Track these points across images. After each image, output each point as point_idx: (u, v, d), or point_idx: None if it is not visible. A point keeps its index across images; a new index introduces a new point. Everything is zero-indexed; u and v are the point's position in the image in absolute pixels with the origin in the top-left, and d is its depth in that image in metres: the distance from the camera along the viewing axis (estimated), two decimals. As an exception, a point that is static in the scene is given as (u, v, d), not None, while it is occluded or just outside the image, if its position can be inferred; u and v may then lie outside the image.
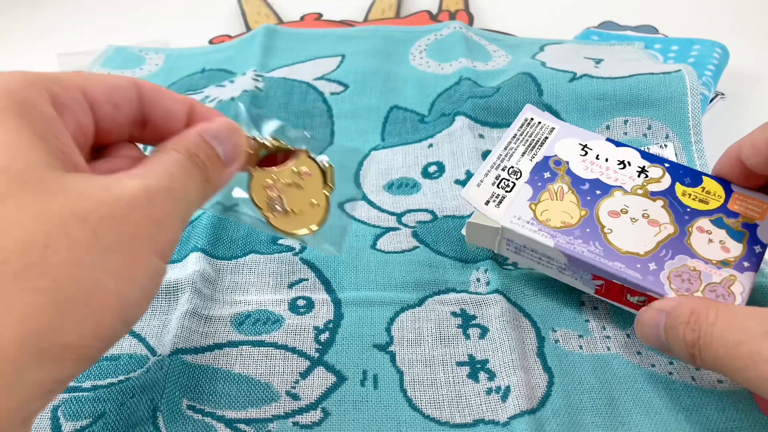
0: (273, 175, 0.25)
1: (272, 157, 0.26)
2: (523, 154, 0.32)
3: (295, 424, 0.27)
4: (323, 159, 0.27)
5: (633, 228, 0.29)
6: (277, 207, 0.25)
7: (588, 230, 0.29)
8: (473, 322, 0.31)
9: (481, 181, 0.31)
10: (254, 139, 0.25)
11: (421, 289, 0.32)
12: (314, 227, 0.26)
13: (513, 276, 0.33)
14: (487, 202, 0.30)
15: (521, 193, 0.31)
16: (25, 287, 0.16)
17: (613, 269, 0.27)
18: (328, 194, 0.26)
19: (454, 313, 0.31)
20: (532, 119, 0.34)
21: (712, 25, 0.57)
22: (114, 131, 0.23)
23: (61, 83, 0.21)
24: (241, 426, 0.27)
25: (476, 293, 0.32)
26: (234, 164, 0.24)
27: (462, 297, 0.32)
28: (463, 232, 0.33)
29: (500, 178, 0.31)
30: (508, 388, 0.28)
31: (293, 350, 0.29)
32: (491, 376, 0.28)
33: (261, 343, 0.30)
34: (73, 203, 0.17)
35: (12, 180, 0.17)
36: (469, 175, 0.39)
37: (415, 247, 0.35)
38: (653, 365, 0.29)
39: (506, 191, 0.31)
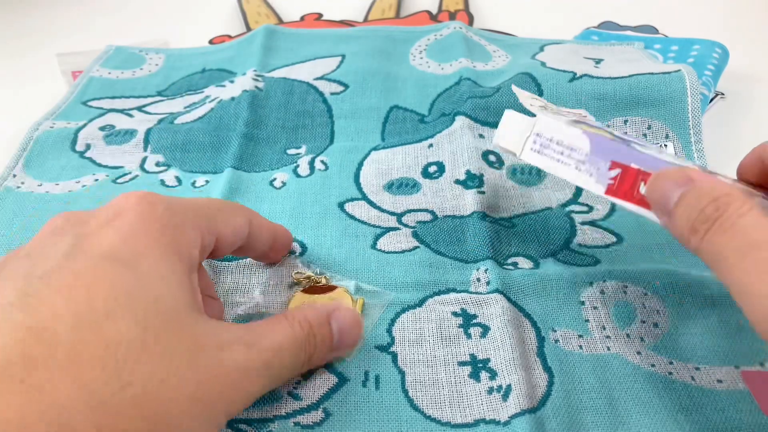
0: (314, 299, 0.31)
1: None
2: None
3: (296, 424, 0.27)
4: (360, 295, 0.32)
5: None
6: None
7: (617, 140, 0.29)
8: (474, 321, 0.31)
9: (535, 98, 0.34)
10: (309, 273, 0.32)
11: (422, 290, 0.32)
12: None
13: (513, 276, 0.33)
14: (531, 105, 0.32)
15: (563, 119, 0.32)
16: (131, 410, 0.18)
17: (637, 153, 0.27)
18: None
19: (454, 313, 0.31)
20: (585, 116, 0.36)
21: (712, 25, 0.58)
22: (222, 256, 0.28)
23: (208, 228, 0.25)
24: (242, 426, 0.27)
25: (476, 293, 0.32)
26: (340, 352, 0.28)
27: (462, 297, 0.32)
28: (496, 141, 0.33)
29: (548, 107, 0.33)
30: (509, 387, 0.28)
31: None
32: (493, 375, 0.29)
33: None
34: (191, 353, 0.20)
35: (159, 312, 0.20)
36: (469, 175, 0.39)
37: (415, 247, 0.35)
38: (653, 365, 0.29)
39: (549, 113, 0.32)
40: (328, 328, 0.26)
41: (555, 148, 0.30)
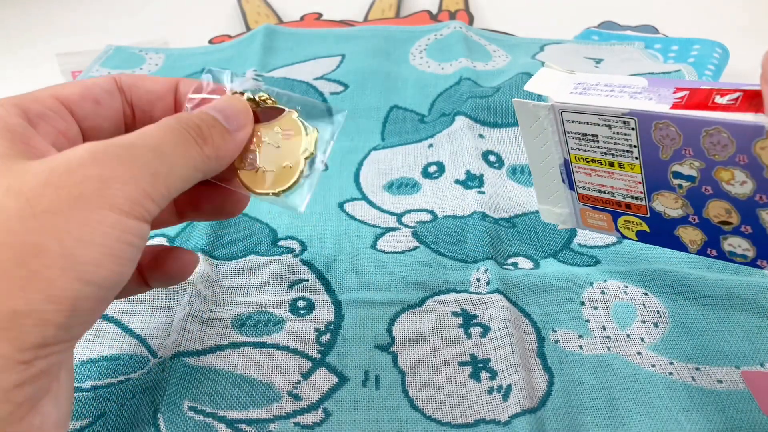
0: (257, 131, 0.24)
1: (262, 114, 0.25)
2: None
3: (296, 424, 0.27)
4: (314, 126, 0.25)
5: None
6: (249, 161, 0.24)
7: None
8: (474, 321, 0.31)
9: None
10: (244, 93, 0.25)
11: (422, 290, 0.32)
12: (278, 190, 0.24)
13: (513, 276, 0.33)
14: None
15: None
16: None
17: (704, 81, 0.24)
18: (305, 158, 0.24)
19: (455, 313, 0.31)
20: None
21: (712, 25, 0.58)
22: (104, 126, 0.24)
23: (32, 97, 0.22)
24: (242, 426, 0.27)
25: (476, 293, 0.32)
26: (242, 131, 0.24)
27: (462, 297, 0.32)
28: (527, 87, 0.28)
29: None
30: (509, 387, 0.28)
31: (295, 351, 0.29)
32: (493, 375, 0.29)
33: (263, 345, 0.30)
34: (8, 181, 0.18)
35: None
36: (469, 175, 0.39)
37: (415, 247, 0.35)
38: (653, 365, 0.29)
39: None
40: (206, 113, 0.23)
41: (602, 88, 0.26)
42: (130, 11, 0.64)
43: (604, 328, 0.31)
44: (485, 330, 0.30)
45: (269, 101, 0.25)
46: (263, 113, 0.25)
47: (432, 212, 0.37)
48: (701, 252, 0.26)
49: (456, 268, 0.34)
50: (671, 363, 0.29)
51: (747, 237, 0.24)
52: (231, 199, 0.26)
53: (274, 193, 0.24)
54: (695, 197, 0.24)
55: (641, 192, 0.26)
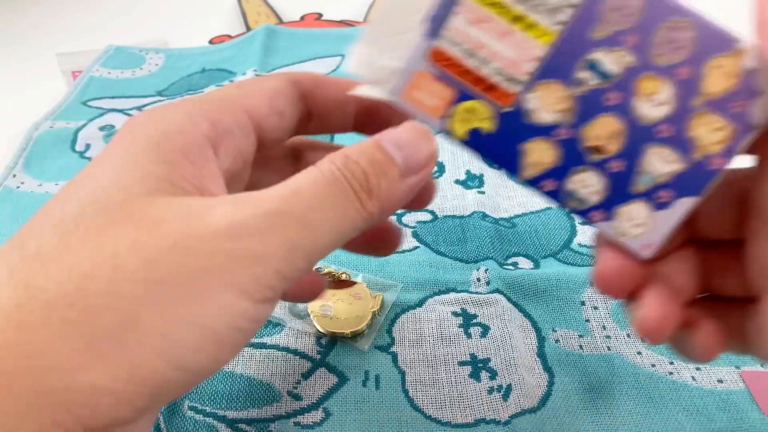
0: (333, 294, 0.32)
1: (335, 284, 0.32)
2: None
3: (296, 424, 0.27)
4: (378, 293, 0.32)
5: None
6: (324, 312, 0.31)
7: None
8: (474, 321, 0.31)
9: None
10: (329, 269, 0.33)
11: (422, 290, 0.32)
12: (351, 331, 0.30)
13: (513, 276, 0.33)
14: None
15: None
16: (52, 317, 0.15)
17: None
18: (373, 314, 0.31)
19: (455, 313, 0.31)
20: None
21: (711, 24, 0.58)
22: (280, 139, 0.22)
23: (222, 107, 0.20)
24: (243, 426, 0.27)
25: (476, 293, 0.32)
26: (415, 176, 0.20)
27: (462, 297, 0.32)
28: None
29: None
30: (509, 387, 0.28)
31: (295, 352, 0.29)
32: (493, 375, 0.29)
33: (263, 346, 0.30)
34: (137, 234, 0.16)
35: (98, 209, 0.16)
36: (469, 174, 0.39)
37: (416, 247, 0.35)
38: (653, 365, 0.29)
39: None
40: (380, 151, 0.19)
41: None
42: (130, 11, 0.64)
43: (605, 328, 0.31)
44: (485, 330, 0.30)
45: (344, 276, 0.33)
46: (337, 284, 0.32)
47: (432, 212, 0.37)
48: (534, 182, 0.20)
49: (456, 268, 0.34)
50: (671, 363, 0.29)
51: (608, 176, 0.19)
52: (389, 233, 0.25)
53: (347, 333, 0.30)
54: (590, 103, 0.19)
55: (526, 73, 0.20)
